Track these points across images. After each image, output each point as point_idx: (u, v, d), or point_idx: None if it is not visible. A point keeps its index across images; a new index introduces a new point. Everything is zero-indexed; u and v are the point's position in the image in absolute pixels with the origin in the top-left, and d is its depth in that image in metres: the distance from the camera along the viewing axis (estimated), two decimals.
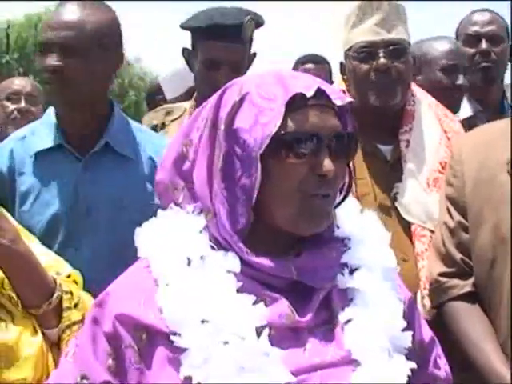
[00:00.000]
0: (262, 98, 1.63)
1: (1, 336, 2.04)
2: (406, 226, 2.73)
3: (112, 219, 2.66)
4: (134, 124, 2.86)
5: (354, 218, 1.77)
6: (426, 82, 3.86)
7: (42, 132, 2.77)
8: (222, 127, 1.64)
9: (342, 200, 1.74)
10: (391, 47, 2.78)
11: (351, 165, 2.67)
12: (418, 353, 1.75)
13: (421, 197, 2.73)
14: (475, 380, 2.30)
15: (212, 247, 1.64)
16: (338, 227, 1.75)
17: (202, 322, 1.55)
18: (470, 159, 2.41)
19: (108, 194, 2.67)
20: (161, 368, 1.57)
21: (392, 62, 2.77)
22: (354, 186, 2.69)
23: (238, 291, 1.60)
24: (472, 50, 3.90)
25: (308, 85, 1.63)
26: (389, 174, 2.81)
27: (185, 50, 3.31)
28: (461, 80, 3.75)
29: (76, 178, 2.68)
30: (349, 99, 1.68)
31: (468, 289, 2.38)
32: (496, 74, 3.92)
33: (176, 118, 3.43)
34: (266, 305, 1.60)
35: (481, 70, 3.86)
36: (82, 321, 2.07)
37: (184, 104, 3.58)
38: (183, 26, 3.26)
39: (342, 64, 2.95)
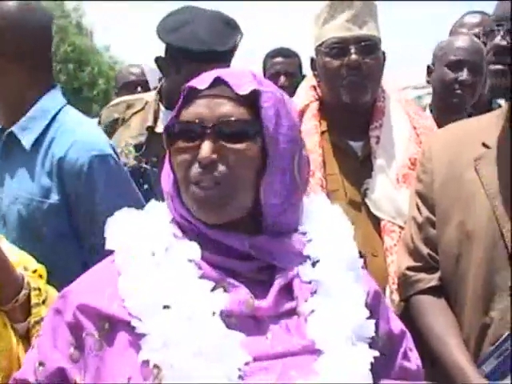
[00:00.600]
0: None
1: None
2: (376, 221, 2.76)
3: (7, 214, 2.66)
4: (62, 116, 2.72)
5: (319, 212, 1.81)
6: (435, 78, 3.92)
7: None
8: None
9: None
10: (362, 43, 2.80)
11: (318, 160, 2.75)
12: (385, 344, 1.79)
13: (390, 193, 2.76)
14: (441, 375, 2.35)
15: (177, 236, 1.69)
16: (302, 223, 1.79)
17: (164, 307, 1.60)
18: (439, 157, 2.46)
19: (9, 186, 2.66)
20: (120, 354, 1.62)
21: (363, 59, 2.79)
22: (324, 181, 2.76)
23: (199, 278, 1.64)
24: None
25: (208, 77, 1.71)
26: (359, 170, 2.84)
27: (158, 59, 3.23)
28: (464, 76, 3.77)
29: None
30: (251, 87, 1.69)
31: (434, 283, 2.42)
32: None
33: (138, 111, 3.41)
34: (227, 291, 1.64)
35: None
36: None
37: (145, 96, 3.55)
38: (166, 41, 3.14)
39: (312, 60, 2.97)
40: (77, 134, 2.64)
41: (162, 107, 3.34)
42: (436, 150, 2.48)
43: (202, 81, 1.70)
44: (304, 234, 1.76)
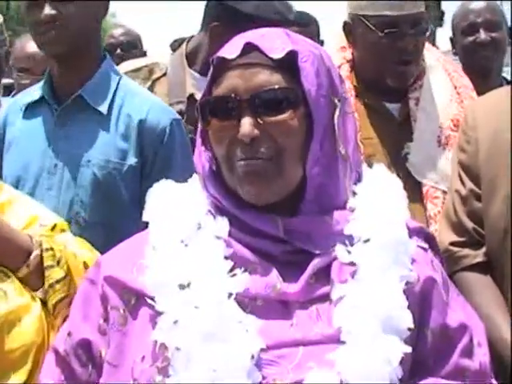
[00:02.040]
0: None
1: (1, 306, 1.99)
2: (417, 187, 2.66)
3: (75, 176, 2.66)
4: (125, 81, 2.81)
5: (376, 187, 1.66)
6: (458, 48, 3.81)
7: (36, 87, 2.83)
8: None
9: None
10: (416, 25, 2.68)
11: (357, 124, 2.65)
12: (437, 339, 1.61)
13: (433, 156, 2.66)
14: None
15: (211, 212, 1.60)
16: (355, 194, 1.64)
17: (181, 286, 1.52)
18: (484, 125, 2.33)
19: (75, 150, 2.67)
20: (141, 330, 1.56)
21: (416, 41, 2.67)
22: (361, 146, 2.65)
23: (227, 258, 1.55)
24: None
25: (236, 45, 1.57)
26: (397, 133, 2.73)
27: (214, 27, 3.12)
28: (481, 36, 3.66)
29: (49, 132, 2.71)
30: (288, 49, 1.55)
31: (480, 259, 2.31)
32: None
33: (159, 77, 3.31)
34: (256, 273, 1.54)
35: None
36: (65, 278, 2.08)
37: (160, 60, 3.43)
38: (243, 10, 3.04)
39: (346, 23, 2.82)
40: (150, 98, 2.79)
41: (193, 72, 3.21)
42: (480, 118, 2.35)
43: (230, 49, 1.57)
44: (352, 210, 1.62)
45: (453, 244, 2.35)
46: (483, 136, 2.32)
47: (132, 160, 2.64)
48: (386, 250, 1.59)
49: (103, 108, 2.68)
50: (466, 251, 2.33)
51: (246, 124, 1.53)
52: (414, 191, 2.65)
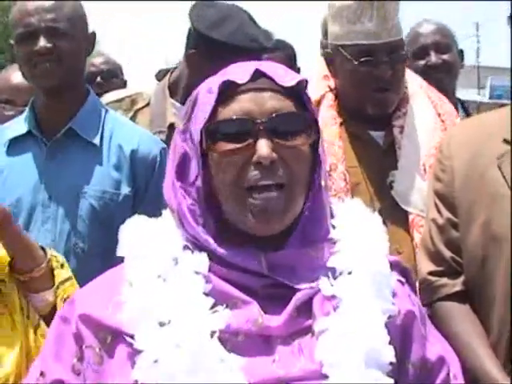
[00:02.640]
0: (205, 93, 1.59)
1: None
2: (402, 215, 2.66)
3: (71, 208, 2.69)
4: (111, 113, 2.87)
5: (354, 220, 1.67)
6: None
7: (20, 120, 2.86)
8: (181, 129, 1.62)
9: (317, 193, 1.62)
10: (392, 53, 2.68)
11: (339, 152, 2.63)
12: (418, 372, 1.62)
13: (418, 184, 2.65)
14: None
15: (187, 247, 1.58)
16: (334, 227, 1.64)
17: (160, 324, 1.50)
18: (459, 154, 2.32)
19: (69, 182, 2.71)
20: (119, 369, 1.54)
21: (392, 67, 2.68)
22: (347, 175, 2.63)
23: (207, 293, 1.53)
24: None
25: (245, 70, 1.57)
26: (382, 161, 2.73)
27: (190, 55, 3.16)
28: (432, 59, 3.67)
29: (41, 165, 2.73)
30: (299, 78, 1.58)
31: (458, 288, 2.29)
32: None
33: (142, 107, 3.33)
34: (237, 308, 1.52)
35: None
36: (70, 278, 2.27)
37: (144, 90, 3.46)
38: (212, 37, 3.06)
39: (327, 54, 2.84)
40: (138, 129, 2.91)
41: (174, 102, 3.23)
42: (455, 146, 2.35)
43: (239, 74, 1.57)
44: (334, 243, 1.62)
45: (431, 273, 2.34)
46: (458, 165, 2.32)
47: (126, 189, 2.70)
48: (369, 283, 1.59)
49: (95, 139, 2.73)
50: (445, 280, 2.32)
51: (265, 146, 1.51)
52: (401, 220, 2.65)
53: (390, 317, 1.59)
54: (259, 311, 1.53)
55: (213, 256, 1.56)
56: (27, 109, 2.84)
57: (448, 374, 1.69)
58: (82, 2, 2.84)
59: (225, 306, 1.51)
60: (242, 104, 1.54)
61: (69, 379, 1.58)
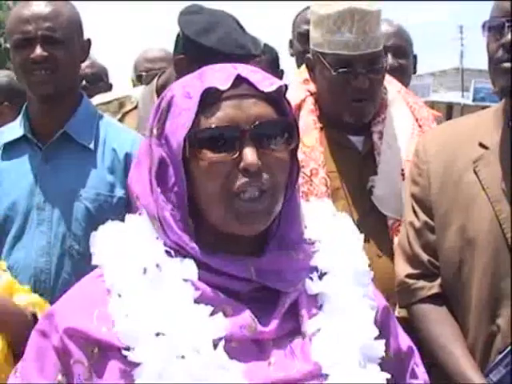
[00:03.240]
0: (183, 98, 1.56)
1: None
2: (382, 220, 2.67)
3: (66, 211, 2.71)
4: (104, 117, 2.90)
5: (326, 220, 1.68)
6: None
7: (14, 125, 2.88)
8: (154, 133, 1.59)
9: (290, 198, 1.62)
10: (371, 66, 2.68)
11: (320, 157, 2.65)
12: (394, 363, 1.67)
13: (397, 190, 2.65)
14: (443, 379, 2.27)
15: (168, 253, 1.55)
16: (306, 227, 1.66)
17: (157, 335, 1.47)
18: (435, 158, 2.35)
19: (64, 185, 2.73)
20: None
21: (369, 78, 2.68)
22: (328, 180, 2.65)
23: (196, 301, 1.51)
24: None
25: (226, 76, 1.54)
26: (361, 165, 2.74)
27: (178, 60, 3.16)
28: (390, 60, 3.63)
29: (36, 168, 2.75)
30: (278, 84, 1.56)
31: (435, 290, 2.33)
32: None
33: (130, 110, 3.35)
34: (227, 315, 1.51)
35: None
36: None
37: (132, 93, 3.47)
38: (200, 42, 3.06)
39: (308, 59, 2.83)
40: (131, 132, 2.92)
41: None
42: (431, 151, 2.37)
43: (220, 80, 1.54)
44: (312, 243, 1.64)
45: (408, 276, 2.37)
46: (434, 169, 2.34)
47: (120, 192, 2.72)
48: (353, 281, 1.62)
49: (90, 143, 2.76)
50: (422, 283, 2.35)
51: (252, 153, 1.50)
52: (380, 224, 2.67)
53: (375, 313, 1.63)
54: (251, 316, 1.53)
55: (197, 262, 1.55)
56: (21, 113, 2.86)
57: (415, 362, 1.75)
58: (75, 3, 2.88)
59: (221, 313, 1.50)
60: (226, 111, 1.53)
61: None
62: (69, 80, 2.77)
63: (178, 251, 1.56)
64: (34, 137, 2.78)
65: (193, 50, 3.07)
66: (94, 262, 1.61)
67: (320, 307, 1.58)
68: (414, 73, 3.94)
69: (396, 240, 2.60)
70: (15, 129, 2.84)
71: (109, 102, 3.44)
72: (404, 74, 3.70)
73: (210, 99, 1.53)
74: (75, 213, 2.71)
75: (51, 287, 2.67)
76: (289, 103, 1.60)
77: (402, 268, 2.39)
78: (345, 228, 1.69)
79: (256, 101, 1.54)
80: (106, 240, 1.61)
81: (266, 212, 1.54)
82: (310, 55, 2.83)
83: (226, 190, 1.52)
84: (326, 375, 1.52)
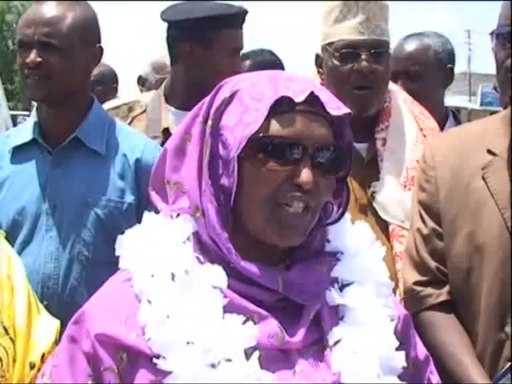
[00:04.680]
0: (250, 97, 1.57)
1: None
2: (383, 225, 2.67)
3: (76, 216, 2.70)
4: (115, 122, 2.89)
5: (346, 232, 1.69)
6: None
7: (24, 128, 2.87)
8: (210, 123, 1.59)
9: (339, 218, 1.66)
10: (374, 50, 2.71)
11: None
12: (411, 371, 1.68)
13: (399, 196, 2.67)
14: None
15: (198, 259, 1.56)
16: (329, 241, 1.68)
17: (188, 343, 1.47)
18: (443, 165, 2.34)
19: (74, 190, 2.71)
20: None
21: (373, 65, 2.71)
22: None
23: (224, 308, 1.51)
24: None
25: (301, 89, 1.55)
26: (364, 172, 2.74)
27: (176, 47, 3.22)
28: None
29: (46, 173, 2.74)
30: (346, 110, 1.58)
31: (443, 298, 2.31)
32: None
33: (139, 114, 3.36)
34: (255, 323, 1.52)
35: None
36: None
37: (141, 98, 3.49)
38: (191, 18, 3.12)
39: (318, 56, 2.88)
40: (142, 137, 2.92)
41: (169, 107, 3.27)
42: (439, 157, 2.36)
43: (295, 92, 1.55)
44: (333, 254, 1.66)
45: (416, 283, 2.35)
46: (442, 175, 2.33)
47: (130, 198, 2.72)
48: (374, 292, 1.64)
49: (101, 149, 2.75)
50: (430, 290, 2.33)
51: (309, 173, 1.53)
52: (381, 230, 2.67)
53: (395, 324, 1.65)
54: (279, 326, 1.54)
55: (226, 266, 1.55)
56: (31, 117, 2.87)
57: (431, 370, 1.78)
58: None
59: (252, 323, 1.51)
60: (297, 125, 1.53)
61: None
62: (68, 86, 2.74)
63: (208, 253, 1.56)
64: (44, 141, 2.77)
65: (191, 30, 3.12)
66: (121, 266, 1.61)
67: (342, 318, 1.60)
68: (450, 83, 3.90)
69: (397, 245, 2.61)
70: (25, 132, 2.83)
71: (118, 107, 3.45)
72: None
73: (283, 107, 1.54)
74: (85, 219, 2.70)
75: (59, 293, 2.66)
76: (350, 130, 1.64)
77: (410, 275, 2.38)
78: (365, 238, 1.71)
79: (322, 122, 1.56)
80: (134, 243, 1.62)
81: (305, 228, 1.58)
82: (318, 53, 2.88)
83: (274, 200, 1.54)
84: None
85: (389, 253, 2.60)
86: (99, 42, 2.85)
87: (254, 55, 4.74)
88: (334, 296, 1.60)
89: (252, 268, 1.56)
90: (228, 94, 1.59)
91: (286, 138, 1.53)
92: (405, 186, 2.69)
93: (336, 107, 1.57)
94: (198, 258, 1.56)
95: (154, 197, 1.69)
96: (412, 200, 2.47)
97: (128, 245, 1.62)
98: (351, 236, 1.69)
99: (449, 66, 3.89)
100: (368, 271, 1.65)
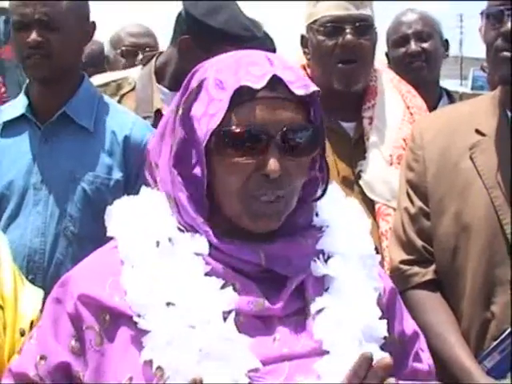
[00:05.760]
0: (215, 86, 1.55)
1: None
2: (370, 204, 2.67)
3: (63, 192, 2.70)
4: (105, 99, 2.90)
5: (334, 205, 1.69)
6: (391, 62, 3.82)
7: (14, 104, 2.88)
8: (180, 112, 1.58)
9: (322, 195, 1.65)
10: (358, 23, 2.71)
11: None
12: (397, 345, 1.69)
13: (385, 175, 2.67)
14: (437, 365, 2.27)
15: (180, 229, 1.57)
16: (317, 215, 1.67)
17: (168, 304, 1.49)
18: (431, 144, 2.34)
19: (62, 165, 2.72)
20: (122, 350, 1.51)
21: (358, 39, 2.71)
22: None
23: (206, 274, 1.53)
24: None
25: (262, 73, 1.52)
26: (352, 151, 2.75)
27: (183, 40, 3.15)
28: (412, 47, 3.66)
29: (35, 148, 2.75)
30: (314, 88, 1.55)
31: (429, 276, 2.32)
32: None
33: (127, 92, 3.33)
34: (236, 290, 1.53)
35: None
36: None
37: (129, 74, 3.45)
38: (207, 23, 3.05)
39: (303, 37, 2.88)
40: (131, 115, 2.92)
41: (161, 87, 3.24)
42: (427, 137, 2.36)
43: (255, 78, 1.52)
44: (319, 228, 1.65)
45: (402, 262, 2.36)
46: (431, 155, 2.33)
47: (118, 175, 2.73)
48: (358, 264, 1.64)
49: (89, 125, 2.75)
50: (416, 269, 2.34)
51: (275, 162, 1.50)
52: (367, 208, 2.66)
53: (378, 295, 1.65)
54: (259, 293, 1.55)
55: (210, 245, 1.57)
56: (21, 93, 2.86)
57: (420, 346, 1.77)
58: None
59: (231, 287, 1.52)
60: (258, 114, 1.51)
61: (72, 361, 1.56)
62: (66, 64, 2.75)
63: (191, 230, 1.58)
64: (33, 116, 2.77)
65: (198, 31, 3.07)
66: (108, 234, 1.62)
67: (326, 289, 1.60)
68: (445, 57, 3.91)
69: (383, 224, 2.62)
70: (16, 107, 2.83)
71: (106, 84, 3.41)
72: (429, 57, 3.70)
73: (243, 97, 1.51)
74: (72, 194, 2.70)
75: (44, 267, 2.66)
76: (319, 108, 1.60)
77: (397, 254, 2.39)
78: (353, 212, 1.71)
79: (288, 104, 1.53)
80: (122, 213, 1.63)
81: (279, 215, 1.57)
82: (304, 34, 2.88)
83: (245, 191, 1.54)
84: (328, 353, 1.54)
85: (375, 231, 2.61)
86: (89, 17, 2.85)
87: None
88: (318, 267, 1.60)
89: (232, 246, 1.56)
90: (195, 84, 1.58)
91: (248, 128, 1.51)
92: (391, 164, 2.69)
93: (302, 86, 1.54)
94: (180, 228, 1.58)
95: (148, 177, 1.70)
96: (400, 179, 2.47)
97: (116, 214, 1.63)
98: (339, 209, 1.69)
99: (445, 38, 3.92)
100: (353, 243, 1.65)
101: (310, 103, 1.58)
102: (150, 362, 1.46)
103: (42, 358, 1.59)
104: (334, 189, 1.72)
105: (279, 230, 1.61)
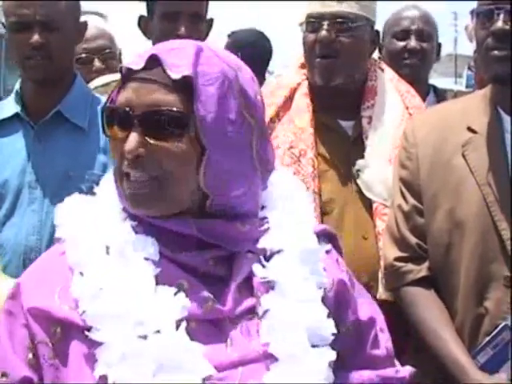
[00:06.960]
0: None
1: None
2: (367, 203, 2.68)
3: (58, 190, 2.67)
4: (98, 98, 2.89)
5: (283, 194, 1.67)
6: (385, 52, 3.83)
7: (7, 103, 2.87)
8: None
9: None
10: (337, 20, 2.71)
11: (310, 139, 2.66)
12: (352, 334, 1.68)
13: (383, 174, 2.66)
14: (430, 361, 2.29)
15: (133, 228, 1.55)
16: (263, 208, 1.65)
17: (119, 315, 1.47)
18: (424, 142, 2.36)
19: (56, 164, 2.71)
20: (76, 364, 1.48)
21: (337, 36, 2.70)
22: (315, 161, 2.68)
23: (156, 277, 1.51)
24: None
25: (142, 56, 1.54)
26: (350, 150, 2.75)
27: (141, 18, 3.23)
28: (412, 43, 3.69)
29: (28, 147, 2.75)
30: (185, 73, 1.51)
31: (423, 273, 2.34)
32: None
33: None
34: (185, 291, 1.51)
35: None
36: None
37: None
38: None
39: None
40: None
41: None
42: (420, 134, 2.39)
43: (138, 59, 1.54)
44: (264, 219, 1.63)
45: (397, 259, 2.38)
46: (424, 153, 2.35)
47: None
48: (301, 261, 1.61)
49: (83, 123, 2.76)
50: (410, 266, 2.36)
51: (133, 141, 1.50)
52: (365, 207, 2.68)
53: (324, 290, 1.63)
54: (208, 294, 1.53)
55: (150, 231, 1.55)
56: (14, 92, 2.86)
57: (376, 330, 1.74)
58: None
59: (184, 294, 1.50)
60: (127, 93, 1.53)
61: (30, 375, 1.52)
62: (63, 64, 2.77)
63: (132, 215, 1.57)
64: (27, 115, 2.78)
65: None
66: (57, 235, 1.61)
67: (272, 288, 1.58)
68: (437, 60, 3.94)
69: (379, 223, 2.62)
70: (9, 106, 2.83)
71: (107, 84, 3.44)
72: (425, 57, 3.73)
73: (124, 78, 1.55)
74: (66, 192, 2.67)
75: None
76: (201, 93, 1.53)
77: (391, 251, 2.41)
78: (300, 204, 1.69)
79: (158, 87, 1.51)
80: (72, 212, 1.62)
81: (155, 198, 1.53)
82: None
83: (119, 170, 1.55)
84: (275, 358, 1.52)
85: (372, 230, 2.63)
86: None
87: (238, 33, 4.72)
88: (261, 266, 1.58)
89: (163, 221, 1.55)
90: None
91: (118, 106, 1.54)
92: (389, 164, 2.69)
93: (178, 70, 1.51)
94: (132, 226, 1.56)
95: None
96: (393, 177, 2.49)
97: (66, 213, 1.63)
98: (285, 204, 1.67)
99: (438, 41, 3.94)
100: (295, 239, 1.62)
101: (197, 90, 1.52)
102: (104, 377, 1.44)
103: (4, 374, 1.55)
104: (281, 173, 1.71)
105: (218, 216, 1.58)
